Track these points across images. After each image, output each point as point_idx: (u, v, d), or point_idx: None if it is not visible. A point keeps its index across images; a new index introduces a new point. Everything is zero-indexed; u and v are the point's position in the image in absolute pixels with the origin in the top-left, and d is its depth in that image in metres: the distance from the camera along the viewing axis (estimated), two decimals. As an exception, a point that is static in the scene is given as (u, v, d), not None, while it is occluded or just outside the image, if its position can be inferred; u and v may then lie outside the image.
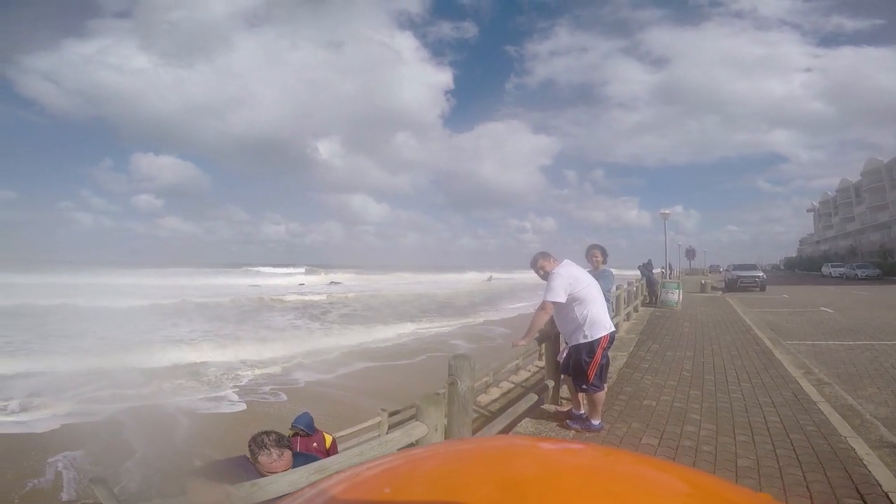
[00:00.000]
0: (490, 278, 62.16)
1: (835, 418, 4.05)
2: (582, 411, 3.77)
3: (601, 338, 3.37)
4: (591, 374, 3.39)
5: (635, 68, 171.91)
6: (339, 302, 25.13)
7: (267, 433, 2.16)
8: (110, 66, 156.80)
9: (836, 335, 8.89)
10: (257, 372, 10.43)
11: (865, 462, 3.09)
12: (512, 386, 6.29)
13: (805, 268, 57.52)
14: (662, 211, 18.02)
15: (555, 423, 3.78)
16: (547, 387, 4.38)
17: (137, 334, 14.08)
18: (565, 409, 4.06)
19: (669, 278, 16.80)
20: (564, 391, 4.37)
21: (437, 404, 2.29)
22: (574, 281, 3.34)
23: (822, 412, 4.25)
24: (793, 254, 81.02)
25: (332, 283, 47.32)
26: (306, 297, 26.45)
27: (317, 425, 3.61)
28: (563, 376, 4.30)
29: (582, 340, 3.38)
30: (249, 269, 62.89)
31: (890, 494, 2.62)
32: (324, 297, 27.04)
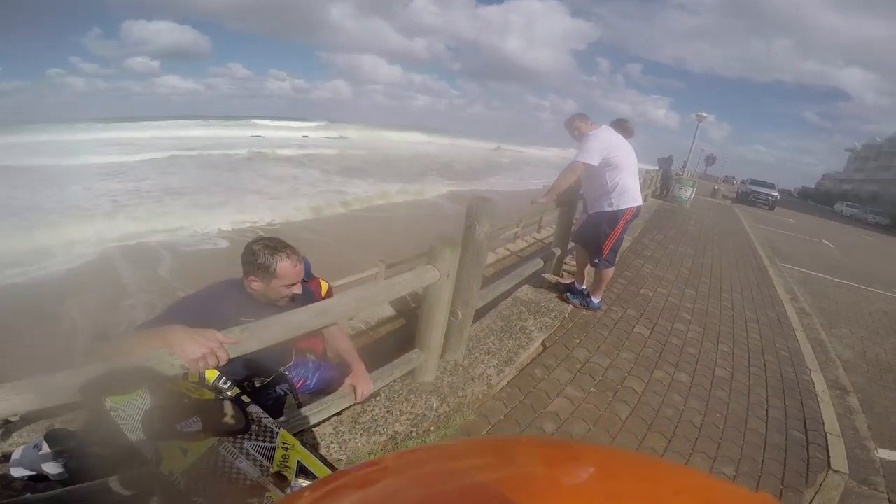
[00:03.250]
0: (498, 148, 60.85)
1: (806, 349, 4.20)
2: (584, 287, 3.75)
3: (627, 209, 3.15)
4: (607, 247, 3.25)
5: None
6: (348, 157, 24.82)
7: (265, 238, 1.57)
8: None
9: (828, 269, 8.96)
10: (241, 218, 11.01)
11: (819, 399, 3.26)
12: (508, 254, 6.25)
13: (819, 201, 55.99)
14: (699, 113, 17.09)
15: (554, 295, 3.75)
16: (552, 255, 4.27)
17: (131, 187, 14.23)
18: (567, 281, 4.03)
19: (686, 177, 16.56)
20: (568, 265, 4.31)
21: (453, 248, 2.08)
22: (611, 146, 3.04)
23: (797, 340, 4.40)
24: (811, 185, 77.71)
25: (340, 137, 46.42)
26: (312, 151, 25.59)
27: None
28: (572, 246, 4.18)
29: (606, 209, 3.16)
30: (253, 121, 54.48)
31: (828, 435, 2.79)
32: (334, 151, 26.08)
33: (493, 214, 2.35)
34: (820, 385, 3.50)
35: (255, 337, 1.20)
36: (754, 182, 24.65)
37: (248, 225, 10.82)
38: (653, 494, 0.41)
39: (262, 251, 1.47)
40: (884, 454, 2.79)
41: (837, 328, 5.35)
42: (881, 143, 56.04)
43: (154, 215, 11.07)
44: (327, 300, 1.51)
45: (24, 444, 1.60)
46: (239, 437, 1.07)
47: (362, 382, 1.75)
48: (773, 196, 22.22)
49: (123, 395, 1.04)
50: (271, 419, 1.12)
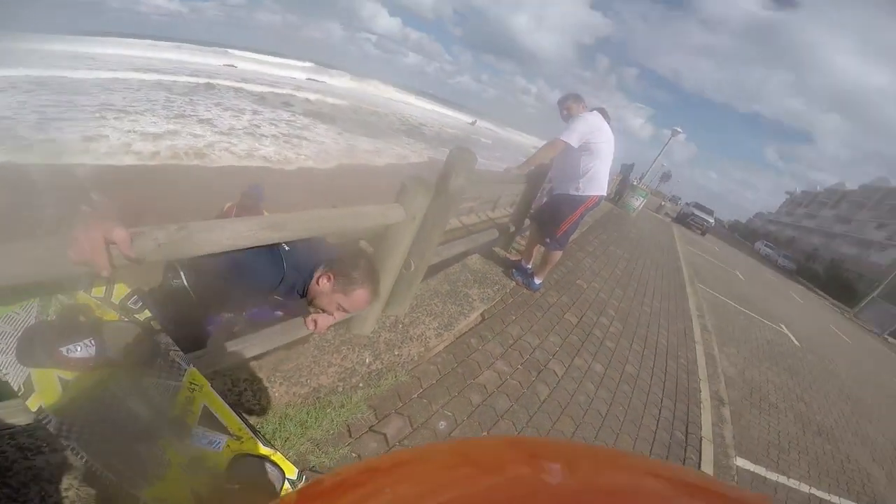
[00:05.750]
0: (474, 123, 59.41)
1: (700, 361, 4.70)
2: (530, 266, 3.84)
3: (590, 196, 3.23)
4: (563, 229, 3.33)
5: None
6: (322, 104, 24.56)
7: (371, 263, 1.54)
8: None
9: (733, 296, 10.01)
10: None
11: (702, 406, 3.67)
12: (459, 226, 6.20)
13: (744, 235, 61.88)
14: (675, 128, 17.97)
15: (500, 269, 3.81)
16: (507, 229, 4.35)
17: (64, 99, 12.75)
18: (515, 258, 4.11)
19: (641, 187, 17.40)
20: (519, 244, 4.39)
21: (426, 191, 1.95)
22: (596, 132, 3.04)
23: (696, 352, 4.90)
24: (743, 220, 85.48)
25: (321, 81, 44.11)
26: (287, 91, 24.98)
27: None
28: (527, 225, 4.25)
29: (571, 192, 3.22)
30: (229, 51, 48.24)
31: (703, 440, 3.15)
32: (312, 95, 25.92)
33: (470, 169, 2.17)
34: (705, 394, 3.94)
35: (190, 241, 0.97)
36: (697, 205, 26.18)
37: (170, 154, 10.08)
38: (656, 495, 0.41)
39: (364, 268, 1.46)
40: (740, 462, 3.23)
41: (727, 347, 6.04)
42: (818, 193, 61.03)
43: (76, 135, 10.01)
44: (280, 215, 1.30)
45: None
46: (138, 370, 0.89)
47: (323, 315, 1.62)
48: (707, 222, 24.16)
49: (4, 306, 0.81)
50: (182, 353, 0.97)
